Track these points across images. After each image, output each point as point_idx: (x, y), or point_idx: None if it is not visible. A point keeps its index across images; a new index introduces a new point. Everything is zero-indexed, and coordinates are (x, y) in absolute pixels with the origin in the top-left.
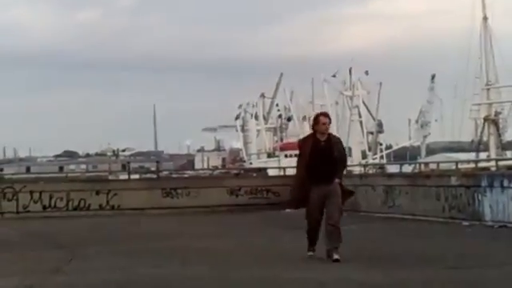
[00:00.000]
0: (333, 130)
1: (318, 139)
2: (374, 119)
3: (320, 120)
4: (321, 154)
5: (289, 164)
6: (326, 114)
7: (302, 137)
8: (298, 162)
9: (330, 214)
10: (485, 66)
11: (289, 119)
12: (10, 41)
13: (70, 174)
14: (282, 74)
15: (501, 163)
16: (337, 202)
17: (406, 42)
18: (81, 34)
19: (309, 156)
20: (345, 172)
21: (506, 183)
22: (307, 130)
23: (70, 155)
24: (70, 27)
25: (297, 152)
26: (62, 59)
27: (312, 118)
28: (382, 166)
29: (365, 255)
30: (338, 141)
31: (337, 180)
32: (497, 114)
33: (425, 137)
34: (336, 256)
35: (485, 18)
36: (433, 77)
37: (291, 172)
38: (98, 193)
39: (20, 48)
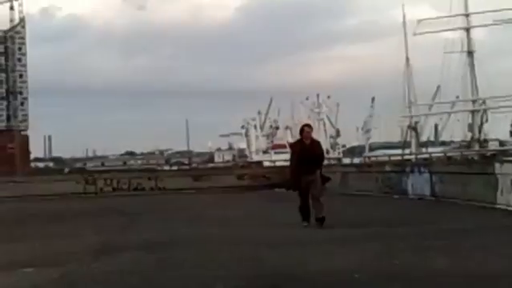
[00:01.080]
0: None
1: (304, 142)
2: (333, 127)
3: (304, 129)
4: (307, 152)
5: (278, 158)
6: (308, 125)
7: (290, 141)
8: (291, 159)
9: (315, 193)
10: (407, 90)
11: (277, 128)
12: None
13: (131, 167)
14: (271, 99)
15: (419, 156)
16: (319, 185)
17: (356, 75)
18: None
19: (298, 154)
20: (324, 164)
21: (422, 170)
22: (290, 136)
23: (131, 154)
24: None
25: (283, 150)
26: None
27: (299, 128)
28: (339, 159)
29: (329, 220)
30: (319, 143)
31: (318, 170)
32: (416, 123)
33: (368, 139)
34: (320, 216)
35: (407, 59)
36: (373, 99)
37: (280, 164)
38: (149, 179)
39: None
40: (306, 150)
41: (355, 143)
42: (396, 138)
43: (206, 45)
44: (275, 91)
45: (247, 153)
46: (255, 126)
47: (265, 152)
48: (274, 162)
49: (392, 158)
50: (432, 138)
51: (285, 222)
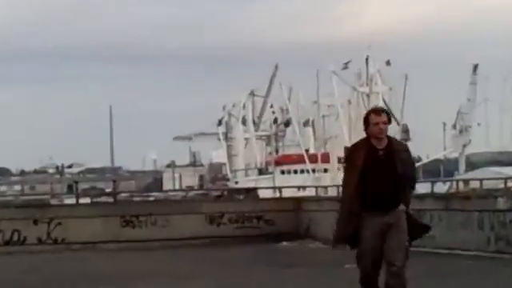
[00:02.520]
0: (343, 138)
1: (375, 147)
2: (397, 123)
3: (370, 119)
4: (378, 168)
5: (285, 182)
6: (379, 111)
7: (313, 151)
8: (346, 179)
9: (392, 256)
10: None
11: (286, 124)
12: None
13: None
14: (277, 66)
15: None
16: (401, 239)
17: (442, 22)
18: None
19: (361, 172)
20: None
21: None
22: (312, 139)
23: (0, 173)
24: None
25: (297, 167)
26: None
27: (364, 117)
28: None
29: None
30: (404, 149)
31: (401, 207)
32: None
33: (464, 146)
34: None
35: None
36: (475, 67)
37: (290, 193)
38: (36, 222)
39: None
40: (377, 163)
41: (439, 154)
42: None
43: None
44: (282, 52)
45: (228, 172)
46: (244, 121)
47: (262, 171)
48: (279, 190)
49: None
50: None
51: None
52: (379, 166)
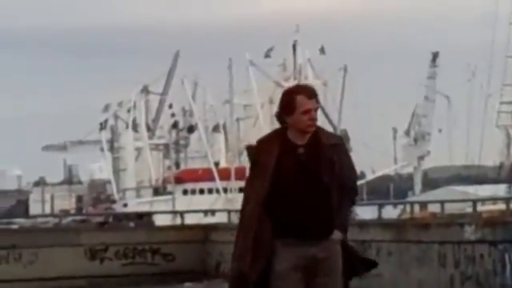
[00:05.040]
0: None
1: (293, 143)
2: (333, 128)
3: (298, 103)
4: (297, 174)
5: (189, 205)
6: (311, 92)
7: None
8: (250, 191)
9: None
10: None
11: (190, 130)
12: None
13: None
14: (178, 53)
15: None
16: (333, 285)
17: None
18: None
19: (273, 180)
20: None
21: None
22: (223, 147)
23: None
24: None
25: (204, 185)
26: None
27: (282, 98)
28: None
29: None
30: (337, 143)
31: (335, 235)
32: None
33: (421, 158)
34: None
35: None
36: (435, 57)
37: (194, 219)
38: None
39: None
40: (300, 169)
41: (388, 169)
42: (491, 156)
43: None
44: (184, 36)
45: (114, 191)
46: (134, 125)
47: (158, 190)
48: (181, 215)
49: (482, 208)
50: None
51: None
52: (299, 172)
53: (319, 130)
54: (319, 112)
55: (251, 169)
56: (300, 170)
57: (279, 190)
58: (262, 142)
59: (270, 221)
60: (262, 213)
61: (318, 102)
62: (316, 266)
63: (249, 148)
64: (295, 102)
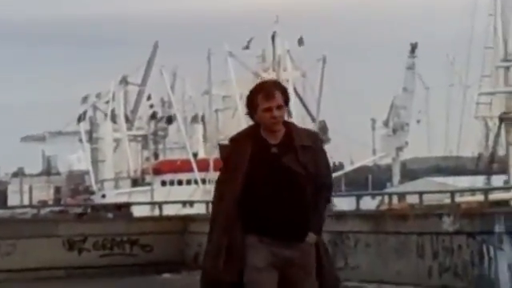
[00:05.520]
0: None
1: (266, 142)
2: (312, 119)
3: (258, 103)
4: (271, 173)
5: (167, 196)
6: (271, 90)
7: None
8: (222, 189)
9: None
10: (502, 28)
11: (169, 121)
12: None
13: None
14: (156, 44)
15: None
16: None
17: None
18: None
19: (246, 179)
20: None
21: None
22: (199, 140)
23: None
24: None
25: (183, 176)
26: None
27: (249, 96)
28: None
29: None
30: (311, 140)
31: (310, 237)
32: None
33: (399, 149)
34: None
35: None
36: (413, 47)
37: (173, 210)
38: None
39: None
40: (274, 167)
41: (367, 160)
42: (470, 147)
43: None
44: (164, 26)
45: (92, 182)
46: (112, 116)
47: (137, 181)
48: (160, 206)
49: (460, 199)
50: None
51: None
52: (272, 171)
53: (293, 128)
54: (298, 103)
55: (224, 167)
56: (273, 169)
57: (253, 189)
58: (235, 140)
59: (242, 222)
60: (237, 212)
61: (286, 97)
62: (290, 267)
63: (222, 147)
64: (257, 101)
